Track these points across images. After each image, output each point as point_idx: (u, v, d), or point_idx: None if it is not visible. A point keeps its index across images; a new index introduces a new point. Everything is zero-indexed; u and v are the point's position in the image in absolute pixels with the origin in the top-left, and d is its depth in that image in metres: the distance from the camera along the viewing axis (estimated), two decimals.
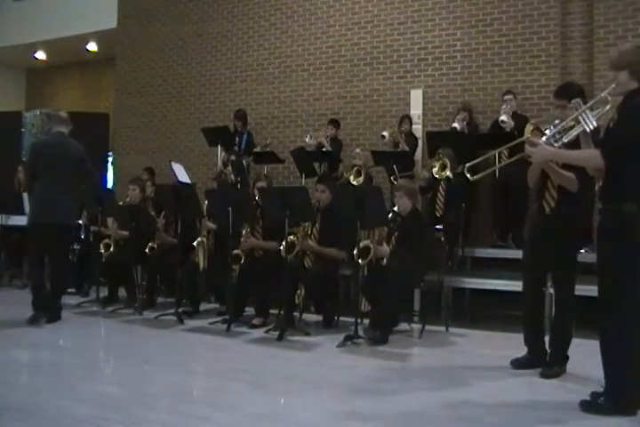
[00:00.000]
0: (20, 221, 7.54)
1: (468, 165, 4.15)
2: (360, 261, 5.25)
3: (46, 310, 5.61)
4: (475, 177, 4.11)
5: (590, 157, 3.38)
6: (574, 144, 3.58)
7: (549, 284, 4.29)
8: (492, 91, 7.64)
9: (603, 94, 3.45)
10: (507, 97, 7.00)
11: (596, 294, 3.39)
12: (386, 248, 5.35)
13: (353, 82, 8.54)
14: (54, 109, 10.89)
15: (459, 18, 7.89)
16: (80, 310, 6.41)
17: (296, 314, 5.75)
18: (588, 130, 3.44)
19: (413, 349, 5.15)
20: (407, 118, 7.64)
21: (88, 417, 3.20)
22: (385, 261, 5.36)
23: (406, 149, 7.27)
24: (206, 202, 6.26)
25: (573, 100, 3.57)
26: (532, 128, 3.97)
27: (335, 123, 8.07)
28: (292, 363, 4.50)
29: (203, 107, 9.73)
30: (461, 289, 6.29)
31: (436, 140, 6.77)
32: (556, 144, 3.56)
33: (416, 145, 7.52)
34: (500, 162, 5.41)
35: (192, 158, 9.55)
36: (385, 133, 7.30)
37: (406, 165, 7.06)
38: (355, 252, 5.22)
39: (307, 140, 7.88)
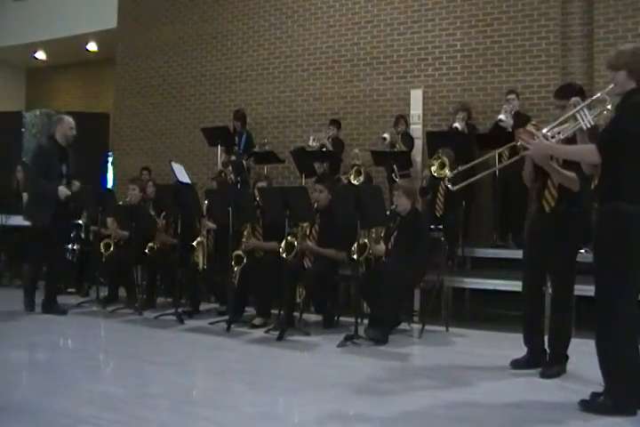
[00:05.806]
0: (20, 220, 7.53)
1: (449, 175, 4.30)
2: (355, 256, 5.27)
3: None
4: (455, 187, 4.22)
5: (587, 152, 3.36)
6: (571, 142, 3.58)
7: (549, 283, 4.29)
8: (492, 91, 7.65)
9: (600, 94, 3.45)
10: (509, 96, 7.00)
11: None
12: (382, 247, 5.35)
13: (353, 82, 8.55)
14: (54, 109, 10.96)
15: (459, 18, 7.89)
16: (80, 310, 6.41)
17: (296, 314, 5.74)
18: (584, 128, 3.44)
19: (413, 349, 5.15)
20: (402, 119, 7.65)
21: (88, 417, 3.19)
22: (383, 260, 5.37)
23: (403, 149, 7.28)
24: (206, 202, 6.26)
25: (573, 98, 3.58)
26: (530, 127, 3.96)
27: (336, 123, 8.09)
28: (292, 363, 4.50)
29: (203, 107, 9.73)
30: (461, 289, 6.28)
31: (437, 141, 6.76)
32: (552, 140, 3.56)
33: (412, 145, 7.54)
34: (500, 162, 5.43)
35: (192, 158, 9.54)
36: (386, 135, 7.32)
37: (404, 165, 7.06)
38: (353, 248, 5.24)
39: (310, 142, 7.89)
